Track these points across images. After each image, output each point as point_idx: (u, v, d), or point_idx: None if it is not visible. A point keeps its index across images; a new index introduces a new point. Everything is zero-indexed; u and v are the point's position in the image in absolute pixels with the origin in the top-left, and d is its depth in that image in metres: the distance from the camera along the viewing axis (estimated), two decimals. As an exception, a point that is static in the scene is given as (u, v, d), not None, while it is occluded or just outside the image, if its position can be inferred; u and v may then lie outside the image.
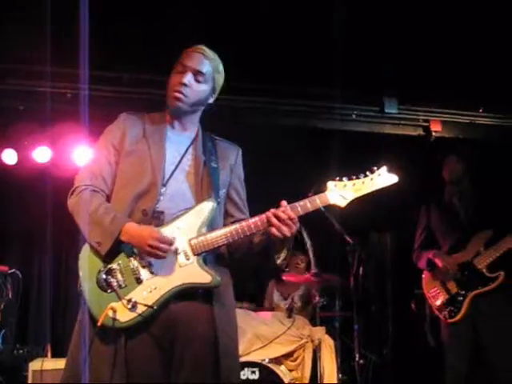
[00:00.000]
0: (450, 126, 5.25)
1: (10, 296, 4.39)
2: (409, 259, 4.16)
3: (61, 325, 5.28)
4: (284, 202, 2.15)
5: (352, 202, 2.20)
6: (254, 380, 3.97)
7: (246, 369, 3.96)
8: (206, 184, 2.24)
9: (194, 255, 2.12)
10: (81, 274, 2.11)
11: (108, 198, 2.24)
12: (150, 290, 2.07)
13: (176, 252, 2.11)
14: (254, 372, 3.99)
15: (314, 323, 4.58)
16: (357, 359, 4.33)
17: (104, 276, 2.08)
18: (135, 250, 2.11)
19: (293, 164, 5.14)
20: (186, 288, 2.09)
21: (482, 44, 4.28)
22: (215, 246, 2.13)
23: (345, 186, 2.20)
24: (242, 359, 3.90)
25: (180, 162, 2.27)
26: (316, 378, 4.28)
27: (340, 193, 2.19)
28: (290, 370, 4.30)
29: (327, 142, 5.16)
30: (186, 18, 3.99)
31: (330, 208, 2.28)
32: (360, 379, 4.29)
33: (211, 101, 2.37)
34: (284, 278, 4.85)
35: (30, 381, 3.66)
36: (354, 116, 5.10)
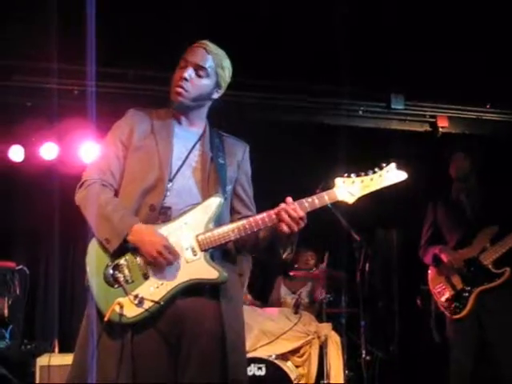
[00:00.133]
0: (456, 122, 5.23)
1: (18, 292, 4.41)
2: (415, 255, 4.15)
3: (68, 320, 5.30)
4: (289, 199, 2.15)
5: (360, 198, 2.19)
6: (260, 376, 3.97)
7: (252, 365, 3.97)
8: (212, 180, 2.24)
9: (201, 251, 2.12)
10: (88, 269, 2.11)
11: (116, 193, 2.25)
12: (157, 285, 2.07)
13: (183, 248, 2.12)
14: (260, 368, 4.00)
15: (320, 319, 4.58)
16: (363, 355, 4.33)
17: (111, 271, 2.09)
18: None
19: (299, 160, 5.14)
20: (192, 284, 2.09)
21: (489, 40, 4.26)
22: (222, 241, 2.13)
23: (353, 182, 2.19)
24: (249, 355, 3.90)
25: (187, 157, 2.27)
26: (322, 375, 4.28)
27: (348, 189, 2.18)
28: (297, 366, 4.31)
29: (334, 138, 5.15)
30: (191, 15, 3.99)
31: (336, 204, 2.27)
32: (366, 375, 4.29)
33: (216, 96, 2.36)
34: (291, 273, 4.86)
35: (37, 376, 3.67)
36: (360, 112, 5.10)
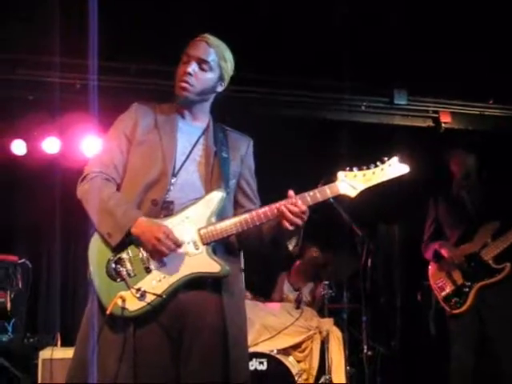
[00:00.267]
0: (459, 118, 5.22)
1: (20, 286, 4.42)
2: (417, 251, 4.16)
3: (70, 314, 5.30)
4: (291, 192, 2.15)
5: (362, 192, 2.19)
6: (262, 371, 3.99)
7: (254, 359, 3.98)
8: (216, 174, 2.24)
9: (203, 245, 2.12)
10: (90, 262, 2.12)
11: (119, 187, 2.25)
12: (159, 279, 2.08)
13: (185, 242, 2.11)
14: (262, 363, 4.01)
15: (322, 315, 4.59)
16: (365, 351, 4.33)
17: (113, 265, 2.09)
18: None
19: (302, 155, 5.13)
20: (194, 277, 2.09)
21: (491, 36, 4.25)
22: (224, 235, 2.13)
23: (355, 176, 2.18)
24: (250, 350, 3.91)
25: (191, 152, 2.27)
26: (324, 370, 4.29)
27: (350, 183, 2.18)
28: (298, 361, 4.32)
29: (336, 134, 5.15)
30: (192, 8, 3.98)
31: (338, 199, 2.27)
32: (368, 371, 4.29)
33: (220, 89, 2.36)
34: (294, 267, 4.89)
35: (39, 369, 3.68)
36: (363, 107, 5.09)
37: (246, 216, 2.15)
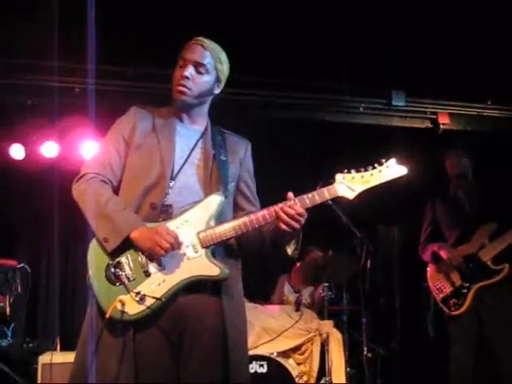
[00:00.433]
0: (457, 119, 5.23)
1: (19, 290, 4.41)
2: (416, 252, 4.16)
3: (70, 318, 5.30)
4: (290, 194, 2.15)
5: (360, 194, 2.19)
6: (262, 373, 3.98)
7: (254, 362, 3.97)
8: (215, 177, 2.25)
9: (203, 248, 2.12)
10: (89, 267, 2.11)
11: (115, 189, 2.25)
12: (159, 282, 2.07)
13: (184, 245, 2.12)
14: (262, 365, 4.00)
15: (321, 317, 4.58)
16: (365, 352, 4.33)
17: (113, 269, 2.09)
18: None
19: (300, 157, 5.14)
20: (194, 281, 2.09)
21: (489, 37, 4.26)
22: (223, 238, 2.14)
23: (353, 178, 2.19)
24: (250, 353, 3.91)
25: (189, 155, 2.27)
26: (324, 372, 4.28)
27: (348, 185, 2.18)
28: (298, 364, 4.31)
29: (335, 135, 5.16)
30: (190, 11, 3.99)
31: (337, 201, 2.27)
32: (368, 372, 4.29)
33: (217, 91, 2.36)
34: (294, 269, 4.88)
35: (39, 374, 3.68)
36: (361, 109, 5.10)
37: (245, 219, 2.15)
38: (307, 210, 2.14)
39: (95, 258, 2.12)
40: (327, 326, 4.43)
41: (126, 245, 2.09)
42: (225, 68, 2.34)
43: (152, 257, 2.09)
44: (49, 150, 5.12)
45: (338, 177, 2.20)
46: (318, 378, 4.29)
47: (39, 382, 3.67)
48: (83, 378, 2.05)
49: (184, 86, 2.25)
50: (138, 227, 2.09)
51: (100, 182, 2.20)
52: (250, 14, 4.06)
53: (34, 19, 3.86)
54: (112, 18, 3.80)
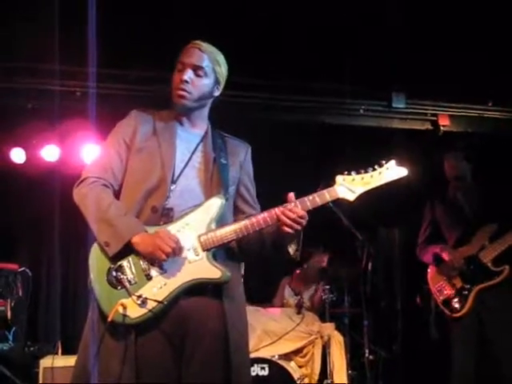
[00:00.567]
0: (458, 120, 5.23)
1: (20, 294, 4.41)
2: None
3: (71, 322, 5.31)
4: (291, 195, 2.16)
5: (361, 195, 2.19)
6: (263, 376, 3.98)
7: (255, 365, 3.97)
8: (215, 181, 2.25)
9: (204, 251, 2.12)
10: (91, 270, 2.11)
11: (116, 193, 2.25)
12: (160, 286, 2.07)
13: (185, 248, 2.12)
14: (263, 368, 4.00)
15: (323, 319, 4.58)
16: (366, 355, 4.33)
17: (114, 273, 2.09)
18: None
19: (301, 159, 5.14)
20: (195, 284, 2.09)
21: (489, 38, 4.26)
22: (224, 241, 2.14)
23: (353, 179, 2.19)
24: (252, 355, 3.90)
25: (190, 159, 2.27)
26: (325, 374, 4.29)
27: (349, 187, 2.18)
28: (300, 367, 4.31)
29: (335, 138, 5.16)
30: (191, 14, 3.99)
31: (338, 203, 2.27)
32: (370, 375, 4.29)
33: (217, 93, 2.37)
34: (296, 272, 4.88)
35: (40, 378, 3.68)
36: (361, 111, 5.10)
37: (246, 222, 2.15)
38: (308, 212, 2.15)
39: (96, 262, 2.12)
40: (329, 328, 4.43)
41: (128, 249, 2.09)
42: (223, 70, 2.35)
43: (153, 261, 2.09)
44: (49, 153, 5.13)
45: (339, 178, 2.20)
46: (320, 381, 4.29)
47: (40, 385, 3.67)
48: (85, 382, 2.05)
49: (184, 89, 2.25)
50: (139, 232, 2.09)
51: (101, 186, 2.20)
52: (251, 15, 4.06)
53: (34, 23, 3.86)
54: (113, 21, 3.81)
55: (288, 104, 4.98)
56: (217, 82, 2.33)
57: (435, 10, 4.05)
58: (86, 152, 5.02)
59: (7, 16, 3.93)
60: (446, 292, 3.83)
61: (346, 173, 2.20)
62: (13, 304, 4.31)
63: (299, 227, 2.12)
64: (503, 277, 3.68)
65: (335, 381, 4.24)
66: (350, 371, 4.33)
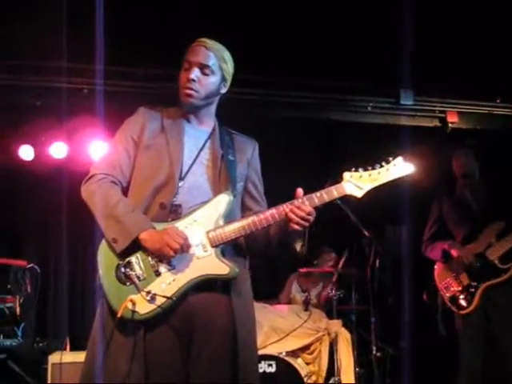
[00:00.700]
0: (466, 117, 5.20)
1: (29, 290, 4.43)
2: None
3: (79, 318, 5.33)
4: (300, 191, 2.16)
5: (368, 192, 2.19)
6: (271, 373, 3.98)
7: (262, 362, 3.97)
8: (223, 177, 2.25)
9: (212, 247, 2.12)
10: (100, 267, 2.12)
11: (124, 190, 2.26)
12: (169, 282, 2.08)
13: (194, 244, 2.12)
14: (270, 365, 4.00)
15: (330, 316, 4.58)
16: (374, 352, 4.33)
17: (123, 269, 2.10)
18: None
19: (308, 156, 5.13)
20: (204, 280, 2.10)
21: (498, 35, 4.24)
22: (233, 237, 2.14)
23: (361, 176, 2.19)
24: (259, 352, 3.88)
25: (198, 155, 2.28)
26: (333, 371, 4.29)
27: (356, 183, 2.19)
28: (307, 363, 4.31)
29: (343, 135, 5.15)
30: (196, 12, 3.99)
31: (345, 200, 2.27)
32: (377, 372, 4.29)
33: (224, 90, 2.37)
34: (303, 270, 4.87)
35: (49, 373, 3.69)
36: (369, 108, 5.08)
37: (254, 218, 2.15)
38: (316, 208, 2.15)
39: (105, 259, 2.13)
40: (336, 325, 4.43)
41: (135, 245, 2.10)
42: (229, 67, 2.35)
43: (162, 257, 2.10)
44: (57, 150, 5.15)
45: (346, 175, 2.20)
46: (327, 378, 4.29)
47: (49, 381, 3.68)
48: (93, 378, 2.07)
49: (191, 88, 2.25)
50: (146, 229, 2.10)
51: (109, 183, 2.21)
52: (255, 12, 4.06)
53: (42, 20, 3.88)
54: (121, 19, 3.82)
55: (295, 101, 4.97)
56: (223, 79, 2.34)
57: (444, 6, 4.03)
58: (93, 149, 5.03)
59: (15, 14, 3.94)
60: (452, 289, 3.83)
61: (353, 169, 2.20)
62: (22, 300, 4.34)
63: (307, 224, 2.13)
64: (510, 274, 3.67)
65: (342, 378, 4.24)
66: (357, 368, 4.33)
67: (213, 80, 2.29)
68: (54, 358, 3.73)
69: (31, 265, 4.50)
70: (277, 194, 2.28)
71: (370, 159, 2.26)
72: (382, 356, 4.51)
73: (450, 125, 5.13)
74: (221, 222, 2.16)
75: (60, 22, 3.67)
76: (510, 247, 3.70)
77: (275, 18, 4.13)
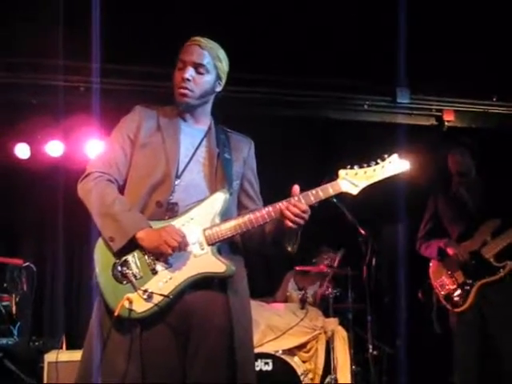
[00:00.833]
0: (462, 116, 5.21)
1: (25, 289, 4.43)
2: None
3: (75, 317, 5.33)
4: (296, 188, 2.16)
5: (364, 189, 2.19)
6: (267, 371, 3.99)
7: (259, 360, 3.98)
8: (219, 175, 2.25)
9: (209, 245, 2.12)
10: (96, 265, 2.12)
11: (120, 188, 2.25)
12: (166, 280, 2.08)
13: (190, 242, 2.12)
14: (267, 363, 4.01)
15: (327, 315, 4.58)
16: (370, 350, 4.33)
17: (119, 268, 2.10)
18: None
19: (304, 154, 5.13)
20: (200, 278, 2.10)
21: (494, 32, 4.24)
22: (229, 235, 2.14)
23: (356, 174, 2.19)
24: (256, 351, 3.87)
25: (194, 154, 2.28)
26: (329, 370, 4.29)
27: (352, 180, 2.19)
28: (304, 362, 4.31)
29: (339, 133, 5.15)
30: (194, 10, 3.99)
31: (341, 198, 2.27)
32: (374, 370, 4.29)
33: (219, 89, 2.37)
34: (298, 268, 4.87)
35: (45, 372, 3.69)
36: (366, 106, 5.08)
37: (250, 216, 2.15)
38: (311, 206, 2.15)
39: (101, 257, 2.13)
40: (332, 323, 4.43)
41: (132, 244, 2.10)
42: (224, 65, 2.34)
43: (159, 256, 2.09)
44: (54, 149, 5.14)
45: (341, 173, 2.20)
46: (324, 376, 4.29)
47: (45, 380, 3.68)
48: (90, 377, 2.06)
49: (186, 88, 2.25)
50: (143, 227, 2.10)
51: (106, 182, 2.21)
52: (254, 9, 4.05)
53: (39, 18, 3.87)
54: (117, 17, 3.81)
55: (292, 99, 4.97)
56: (218, 77, 2.33)
57: (440, 5, 4.04)
58: (90, 147, 5.03)
59: (10, 12, 3.93)
60: (447, 287, 3.83)
61: (348, 167, 2.20)
62: (17, 299, 4.33)
63: (302, 222, 2.13)
64: (505, 272, 3.68)
65: (339, 376, 4.25)
66: (353, 366, 4.34)
67: (207, 79, 2.29)
68: (50, 356, 3.73)
69: (27, 263, 4.49)
70: (274, 192, 2.28)
71: (367, 157, 2.26)
72: (378, 354, 4.52)
73: (446, 123, 5.14)
74: (217, 220, 2.16)
75: (56, 20, 3.66)
76: (505, 245, 3.70)
77: (273, 17, 4.13)
